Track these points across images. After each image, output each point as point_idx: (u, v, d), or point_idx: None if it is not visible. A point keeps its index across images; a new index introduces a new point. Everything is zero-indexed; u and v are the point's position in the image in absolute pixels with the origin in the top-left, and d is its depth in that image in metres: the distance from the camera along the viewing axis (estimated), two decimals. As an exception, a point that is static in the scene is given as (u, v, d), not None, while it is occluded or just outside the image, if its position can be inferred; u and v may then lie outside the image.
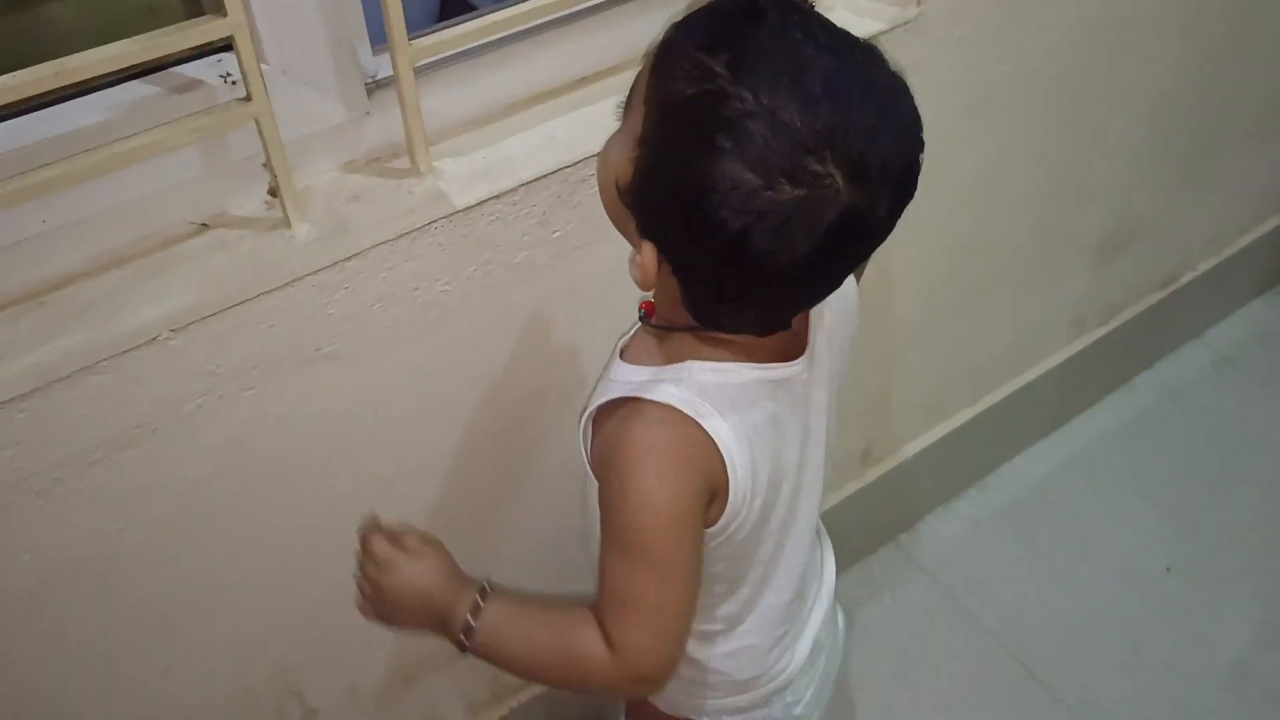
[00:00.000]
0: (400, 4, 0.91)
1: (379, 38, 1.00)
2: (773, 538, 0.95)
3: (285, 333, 0.97)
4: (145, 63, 0.85)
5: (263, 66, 0.90)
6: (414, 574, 0.92)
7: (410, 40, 0.94)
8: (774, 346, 0.87)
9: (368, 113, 1.01)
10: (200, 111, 0.88)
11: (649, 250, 0.79)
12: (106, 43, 0.82)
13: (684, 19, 0.77)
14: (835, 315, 0.94)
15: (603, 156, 0.83)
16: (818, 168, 0.70)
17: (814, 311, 0.91)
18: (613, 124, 0.83)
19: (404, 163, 1.03)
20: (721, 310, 0.81)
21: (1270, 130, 2.02)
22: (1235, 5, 1.68)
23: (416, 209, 1.00)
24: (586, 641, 0.84)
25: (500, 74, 1.08)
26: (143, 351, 0.89)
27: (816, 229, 0.71)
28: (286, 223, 0.96)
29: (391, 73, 1.00)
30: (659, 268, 0.79)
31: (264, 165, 0.96)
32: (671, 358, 0.86)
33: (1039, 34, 1.41)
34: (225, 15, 0.83)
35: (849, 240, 0.74)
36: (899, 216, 0.76)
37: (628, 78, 0.81)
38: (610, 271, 1.15)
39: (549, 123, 1.09)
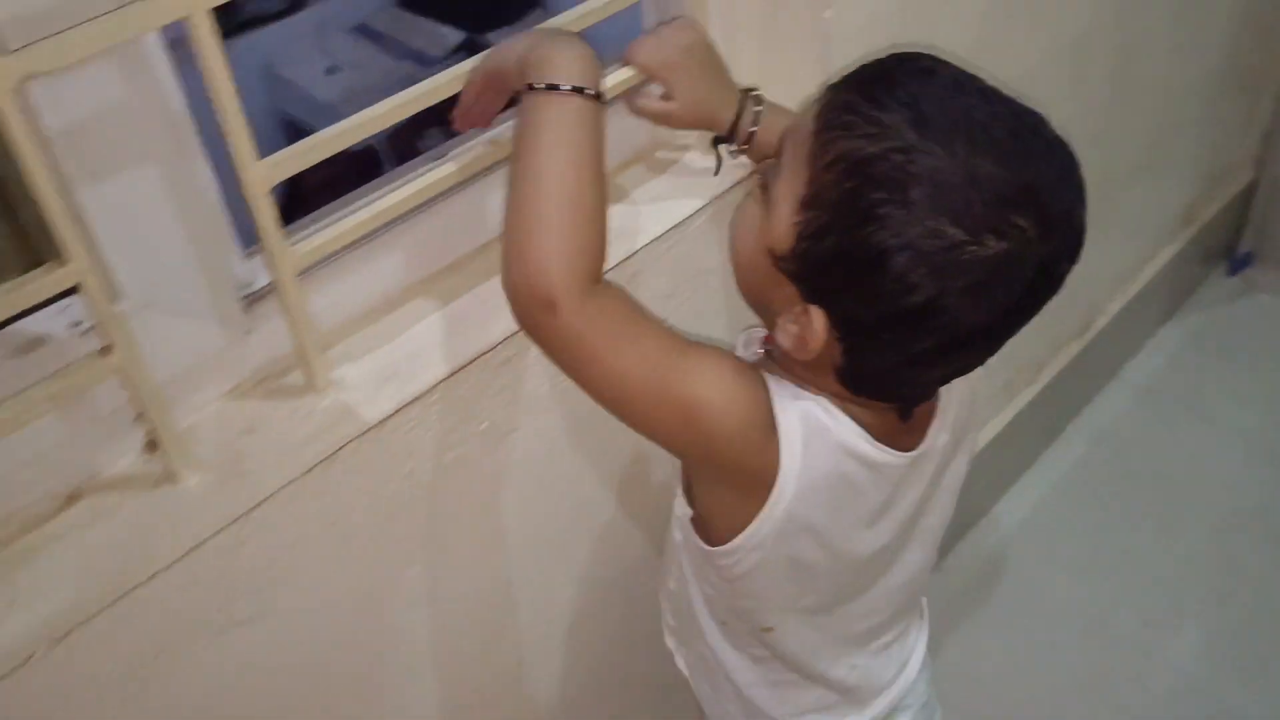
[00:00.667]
0: (271, 207, 0.78)
1: (246, 238, 0.87)
2: (827, 610, 0.92)
3: (188, 608, 0.82)
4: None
5: (119, 306, 0.76)
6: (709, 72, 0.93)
7: (291, 244, 0.81)
8: (890, 428, 0.83)
9: (248, 331, 0.88)
10: (52, 376, 0.73)
11: (819, 316, 0.75)
12: None
13: (847, 79, 0.75)
14: (961, 408, 0.89)
15: (743, 222, 0.81)
16: (1021, 221, 0.69)
17: (942, 410, 0.87)
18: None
19: (298, 378, 0.90)
20: (886, 379, 0.79)
21: (1157, 161, 2.02)
22: (1113, 53, 1.66)
23: (322, 432, 0.86)
24: (592, 237, 0.76)
25: (391, 257, 0.96)
26: (17, 677, 0.73)
27: (1017, 284, 0.70)
28: (172, 477, 0.82)
29: (268, 279, 0.87)
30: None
31: (136, 418, 0.81)
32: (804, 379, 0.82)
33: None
34: (68, 262, 0.69)
35: (1038, 297, 0.74)
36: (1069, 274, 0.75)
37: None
38: (547, 447, 1.03)
39: (454, 303, 0.97)
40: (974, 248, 0.68)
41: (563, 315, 0.73)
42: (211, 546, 0.81)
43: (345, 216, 0.86)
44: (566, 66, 0.77)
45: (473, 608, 1.07)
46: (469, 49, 2.63)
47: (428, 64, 2.63)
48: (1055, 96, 1.54)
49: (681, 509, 0.91)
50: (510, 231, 0.77)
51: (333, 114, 2.54)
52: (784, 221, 0.75)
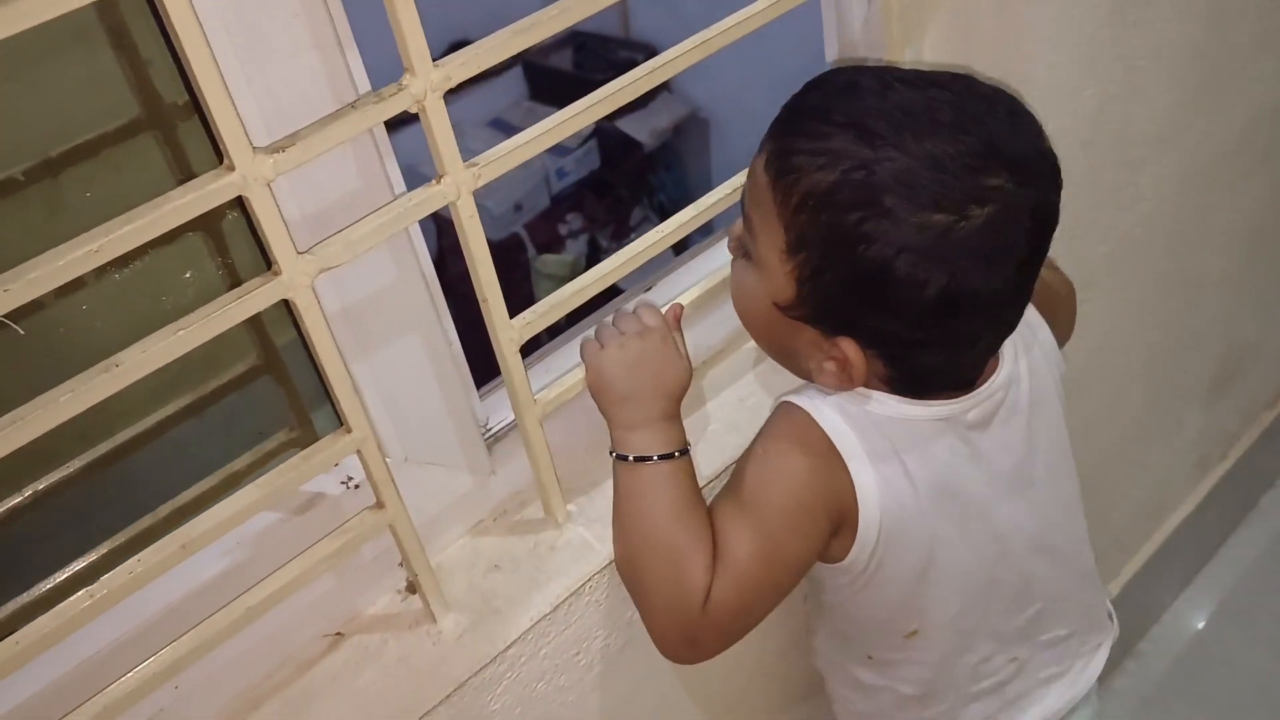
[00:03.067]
0: (521, 362, 0.83)
1: (478, 380, 0.92)
2: (955, 600, 0.89)
3: (452, 744, 0.86)
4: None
5: (387, 462, 0.82)
6: (670, 361, 0.84)
7: (535, 395, 0.85)
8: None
9: (492, 472, 0.92)
10: (332, 533, 0.78)
11: (850, 345, 0.77)
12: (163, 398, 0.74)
13: (777, 125, 0.77)
14: (1033, 361, 0.90)
15: (739, 290, 0.83)
16: (995, 180, 0.71)
17: (1007, 356, 0.87)
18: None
19: (534, 511, 0.94)
20: (939, 368, 0.80)
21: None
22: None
23: (566, 568, 0.90)
24: (698, 562, 0.79)
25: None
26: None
27: (1018, 237, 0.72)
28: (431, 617, 0.86)
29: (502, 418, 0.92)
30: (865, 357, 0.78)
31: (399, 563, 0.86)
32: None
33: (1134, 204, 1.34)
34: (350, 431, 0.74)
35: (1041, 238, 0.75)
36: (1060, 196, 0.77)
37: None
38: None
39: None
40: (964, 223, 0.70)
41: (706, 640, 0.81)
42: (473, 685, 0.85)
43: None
44: (650, 439, 0.82)
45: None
46: (599, 136, 2.72)
47: (562, 153, 2.72)
48: (1251, 169, 1.52)
49: None
50: (634, 591, 0.84)
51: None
52: (778, 274, 0.77)
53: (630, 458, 0.82)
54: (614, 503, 0.84)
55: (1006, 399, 0.86)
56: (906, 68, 0.77)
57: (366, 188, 0.75)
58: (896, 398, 0.82)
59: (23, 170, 0.68)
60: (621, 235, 2.88)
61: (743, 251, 0.82)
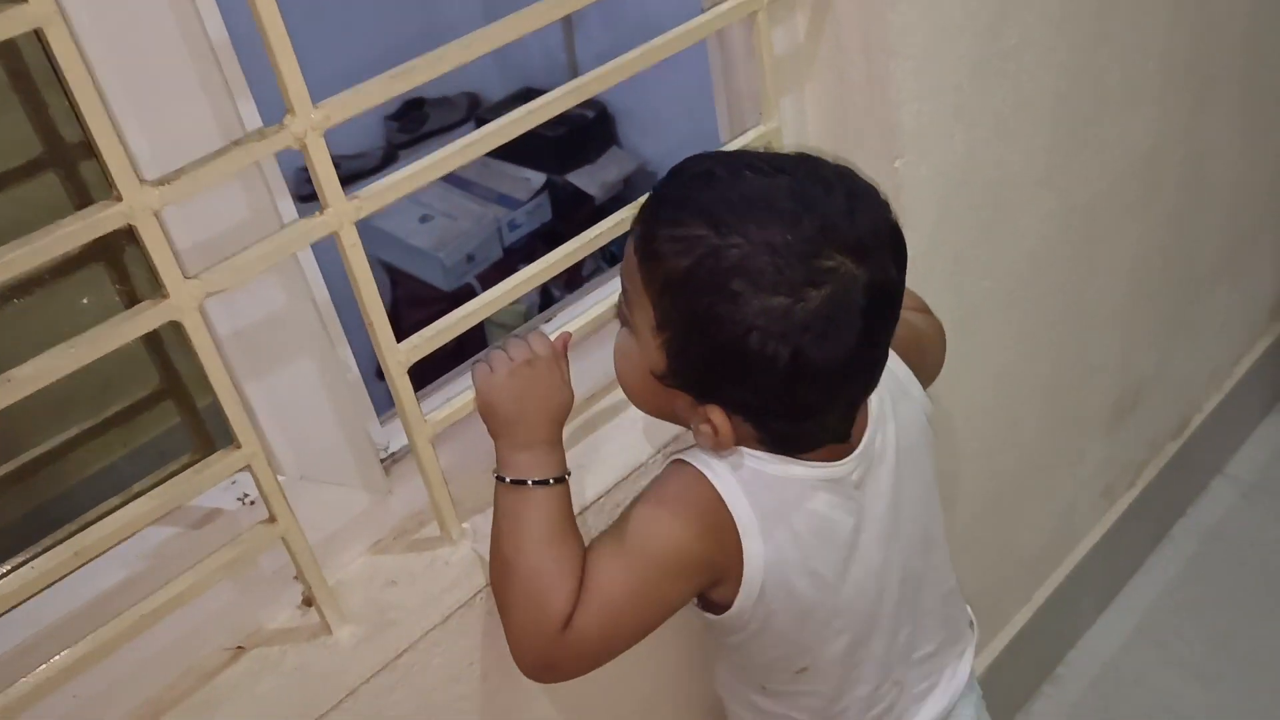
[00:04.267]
0: (409, 384, 0.89)
1: (385, 403, 0.97)
2: (843, 637, 0.96)
3: (347, 749, 0.90)
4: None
5: (280, 479, 0.87)
6: (555, 388, 0.90)
7: (425, 416, 0.91)
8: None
9: (389, 492, 0.97)
10: (226, 545, 0.83)
11: (717, 412, 0.84)
12: (62, 418, 0.79)
13: (642, 210, 0.84)
14: (897, 408, 0.96)
15: (620, 358, 0.90)
16: (828, 263, 0.77)
17: (873, 415, 0.93)
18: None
19: (433, 530, 0.99)
20: (804, 431, 0.87)
21: (1237, 263, 2.05)
22: (1183, 165, 1.72)
23: (459, 580, 0.95)
24: (561, 589, 0.85)
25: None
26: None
27: (854, 313, 0.78)
28: (327, 629, 0.91)
29: (404, 442, 0.97)
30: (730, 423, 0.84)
31: (295, 578, 0.91)
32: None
33: (1015, 242, 1.42)
34: (240, 447, 0.80)
35: (881, 311, 0.81)
36: (904, 272, 0.84)
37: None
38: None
39: (573, 449, 1.05)
40: (801, 304, 0.77)
41: (562, 664, 0.87)
42: (366, 690, 0.89)
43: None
44: (530, 462, 0.88)
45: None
46: (550, 189, 2.80)
47: (513, 206, 2.80)
48: (1130, 211, 1.61)
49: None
50: (499, 608, 0.90)
51: (429, 259, 2.73)
52: (650, 346, 0.84)
53: (508, 479, 0.88)
54: (492, 522, 0.89)
55: (875, 451, 0.93)
56: (760, 152, 0.85)
57: (255, 218, 0.81)
58: (784, 459, 0.88)
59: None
60: (574, 285, 2.95)
61: (624, 319, 0.89)
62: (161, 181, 0.70)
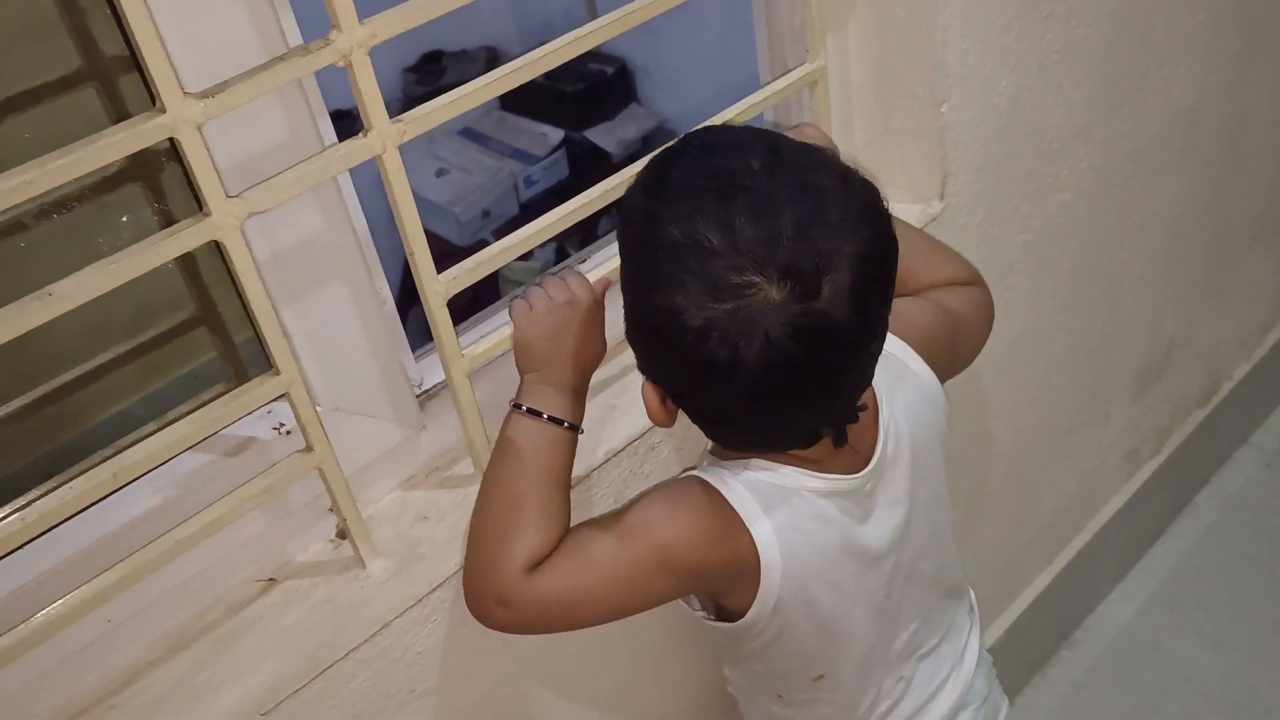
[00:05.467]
0: (449, 316, 0.87)
1: (415, 342, 0.96)
2: (862, 644, 0.95)
3: (375, 683, 0.89)
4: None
5: (317, 409, 0.85)
6: (590, 334, 0.89)
7: (463, 351, 0.89)
8: (834, 458, 0.87)
9: (422, 427, 0.96)
10: (261, 474, 0.82)
11: (648, 388, 0.83)
12: (100, 347, 0.79)
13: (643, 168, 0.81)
14: (914, 413, 0.93)
15: None
16: (737, 279, 0.72)
17: (884, 423, 0.90)
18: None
19: (466, 467, 0.98)
20: (723, 431, 0.85)
21: (1273, 227, 2.02)
22: (1225, 124, 1.69)
23: (491, 518, 0.93)
24: (538, 530, 0.84)
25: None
26: (233, 746, 0.81)
27: (756, 336, 0.72)
28: (360, 562, 0.90)
29: (437, 379, 0.96)
30: (664, 402, 0.82)
31: (329, 509, 0.90)
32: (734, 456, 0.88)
33: (1052, 194, 1.40)
34: (279, 374, 0.78)
35: (810, 343, 0.73)
36: (877, 308, 0.78)
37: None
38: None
39: (604, 394, 1.04)
40: (698, 312, 0.73)
41: (516, 606, 0.83)
42: (397, 625, 0.88)
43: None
44: (550, 399, 0.87)
45: (623, 675, 1.13)
46: (568, 146, 2.78)
47: (530, 162, 2.77)
48: (1168, 168, 1.58)
49: (692, 613, 0.96)
50: (470, 534, 0.88)
51: (444, 214, 2.71)
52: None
53: (524, 408, 0.86)
54: (494, 446, 0.88)
55: (887, 456, 0.91)
56: (762, 133, 0.80)
57: (296, 139, 0.79)
58: (800, 470, 0.86)
59: (-36, 114, 0.72)
60: (589, 243, 2.93)
61: None
62: (205, 94, 0.68)
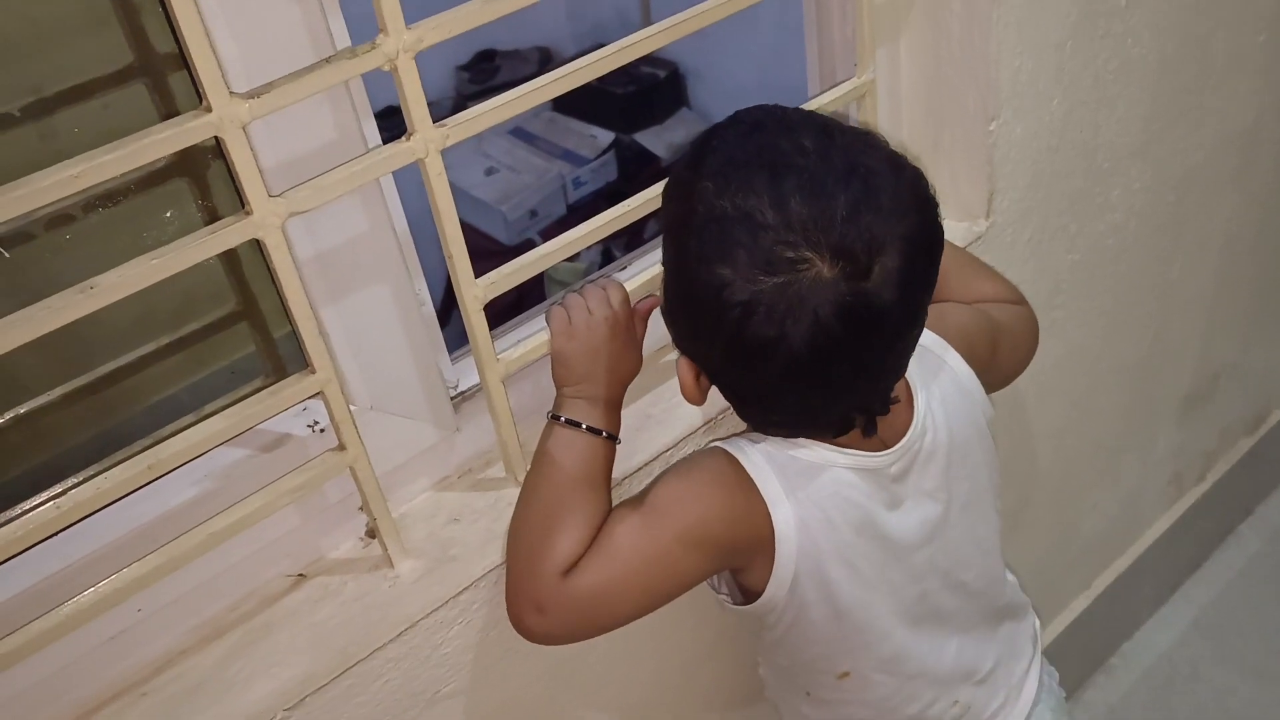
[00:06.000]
0: (485, 321, 0.87)
1: (453, 343, 0.96)
2: (885, 643, 0.93)
3: (402, 682, 0.90)
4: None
5: (351, 408, 0.86)
6: (627, 349, 0.89)
7: (498, 355, 0.89)
8: (862, 444, 0.86)
9: (457, 429, 0.96)
10: (295, 470, 0.83)
11: (683, 364, 0.83)
12: (145, 338, 0.81)
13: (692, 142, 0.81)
14: (950, 407, 0.92)
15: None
16: (791, 254, 0.72)
17: (918, 412, 0.89)
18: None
19: (499, 470, 0.98)
20: (756, 411, 0.85)
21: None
22: (1277, 164, 1.66)
23: (522, 522, 0.94)
24: (574, 532, 0.83)
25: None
26: (259, 738, 0.82)
27: (804, 314, 0.72)
28: (389, 562, 0.90)
29: (473, 381, 0.96)
30: (698, 380, 0.83)
31: (360, 508, 0.90)
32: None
33: (1102, 214, 1.38)
34: (315, 372, 0.79)
35: (856, 325, 0.74)
36: (920, 293, 0.78)
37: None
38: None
39: (640, 400, 1.04)
40: (749, 285, 0.73)
41: (553, 611, 0.83)
42: (425, 625, 0.89)
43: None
44: (587, 411, 0.87)
45: (652, 679, 1.13)
46: (617, 148, 2.78)
47: (579, 164, 2.77)
48: (1222, 189, 1.55)
49: (715, 595, 0.95)
50: (509, 541, 0.88)
51: (492, 212, 2.72)
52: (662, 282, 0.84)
53: (562, 419, 0.86)
54: (533, 456, 0.88)
55: (923, 448, 0.90)
56: (823, 119, 0.80)
57: (340, 140, 0.80)
58: (824, 445, 0.86)
59: (18, 106, 0.73)
60: (635, 246, 2.93)
61: None
62: (251, 95, 0.69)
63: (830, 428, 0.85)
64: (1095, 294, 1.45)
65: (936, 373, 0.93)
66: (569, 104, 2.86)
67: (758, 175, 0.74)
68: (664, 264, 0.82)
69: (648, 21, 2.89)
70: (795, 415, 0.85)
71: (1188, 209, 1.53)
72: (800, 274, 0.72)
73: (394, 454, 0.92)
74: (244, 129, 0.69)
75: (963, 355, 0.95)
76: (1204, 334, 1.74)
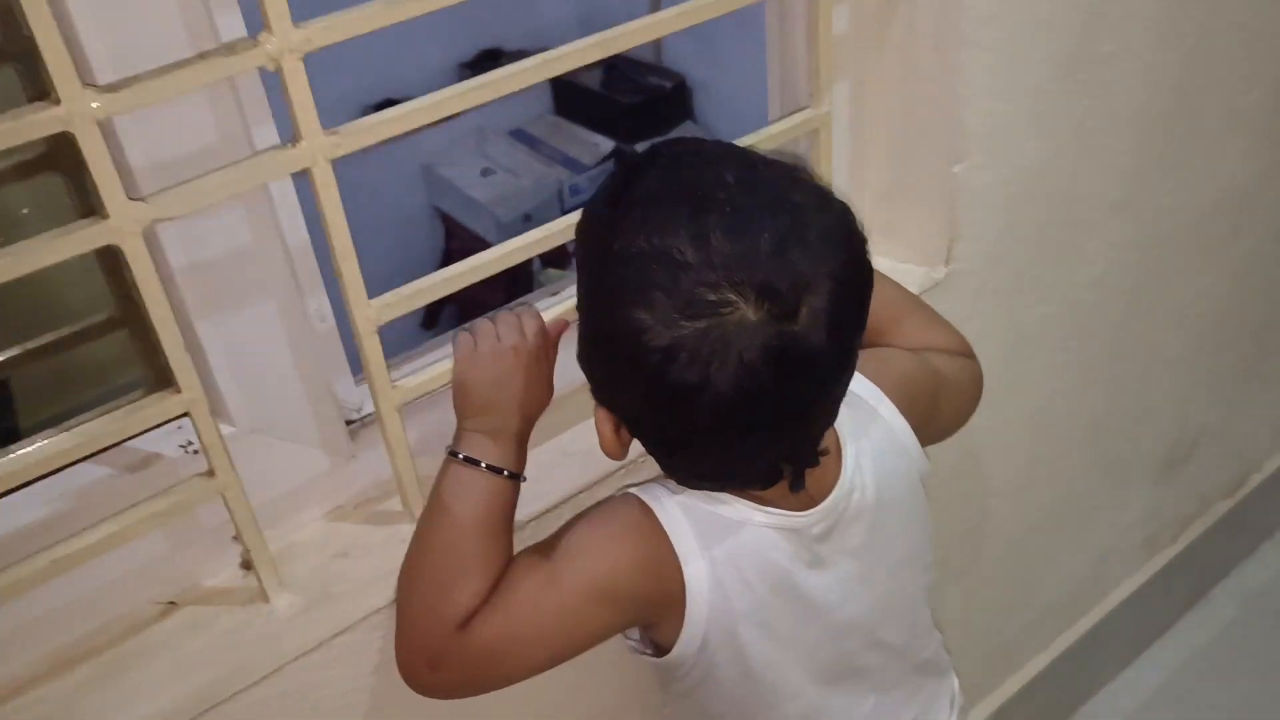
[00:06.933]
0: (379, 344, 0.81)
1: (359, 364, 0.90)
2: (796, 702, 0.87)
3: (273, 723, 0.83)
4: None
5: (228, 430, 0.80)
6: (536, 381, 0.82)
7: (395, 382, 0.83)
8: (786, 499, 0.80)
9: (352, 456, 0.90)
10: (160, 493, 0.77)
11: (601, 415, 0.77)
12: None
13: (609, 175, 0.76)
14: (881, 462, 0.86)
15: None
16: (713, 296, 0.67)
17: (846, 469, 0.83)
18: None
19: (397, 503, 0.92)
20: (681, 464, 0.79)
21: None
22: (1273, 206, 1.59)
23: (413, 562, 0.87)
24: (473, 582, 0.77)
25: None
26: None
27: (729, 359, 0.67)
28: (264, 595, 0.84)
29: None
30: (618, 432, 0.77)
31: (234, 538, 0.84)
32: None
33: (1080, 266, 1.32)
34: (180, 391, 0.73)
35: (784, 370, 0.69)
36: (850, 335, 0.73)
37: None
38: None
39: (560, 436, 0.97)
40: (667, 330, 0.67)
41: (448, 665, 0.77)
42: (296, 668, 0.82)
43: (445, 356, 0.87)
44: (489, 448, 0.80)
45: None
46: (618, 158, 2.72)
47: (579, 170, 2.71)
48: (1210, 249, 1.49)
49: (623, 639, 0.88)
50: (399, 591, 0.82)
51: (485, 213, 2.66)
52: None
53: (460, 456, 0.80)
54: (429, 496, 0.82)
55: (849, 507, 0.84)
56: (735, 148, 0.77)
57: (223, 143, 0.74)
58: (747, 501, 0.80)
59: None
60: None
61: None
62: (107, 88, 0.63)
63: (758, 479, 0.80)
64: (1067, 348, 1.38)
65: (869, 426, 0.87)
66: (573, 109, 2.81)
67: (677, 211, 0.69)
68: (578, 307, 0.76)
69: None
70: (722, 467, 0.79)
71: (1175, 267, 1.47)
72: (724, 317, 0.67)
73: (279, 480, 0.86)
74: (100, 125, 0.63)
75: (901, 407, 0.89)
76: (1183, 396, 1.68)
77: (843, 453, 0.84)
